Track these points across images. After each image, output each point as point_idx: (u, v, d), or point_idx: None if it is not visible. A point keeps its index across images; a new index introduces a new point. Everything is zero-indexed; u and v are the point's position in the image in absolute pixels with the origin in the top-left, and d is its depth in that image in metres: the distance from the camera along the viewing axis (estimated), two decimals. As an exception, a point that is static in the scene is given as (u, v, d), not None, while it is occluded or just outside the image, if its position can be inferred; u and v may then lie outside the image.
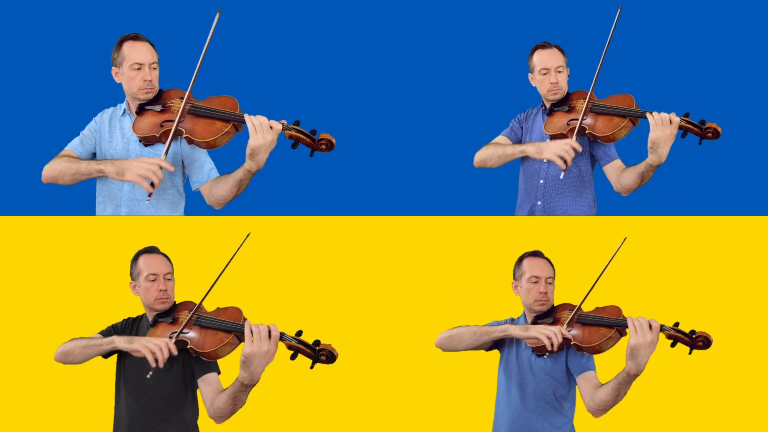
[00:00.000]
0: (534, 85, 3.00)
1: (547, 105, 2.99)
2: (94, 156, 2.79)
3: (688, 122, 2.67)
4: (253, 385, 2.19)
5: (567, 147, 2.80)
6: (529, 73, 3.01)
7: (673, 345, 2.44)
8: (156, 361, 2.25)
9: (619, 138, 2.81)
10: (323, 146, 2.50)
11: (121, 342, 2.32)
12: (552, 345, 2.45)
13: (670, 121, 2.62)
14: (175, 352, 2.28)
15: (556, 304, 2.63)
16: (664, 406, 3.37)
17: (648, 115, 2.65)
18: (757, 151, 3.63)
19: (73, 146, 2.77)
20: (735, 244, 3.37)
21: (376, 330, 3.30)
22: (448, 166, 3.63)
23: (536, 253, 2.66)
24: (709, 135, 2.68)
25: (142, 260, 2.47)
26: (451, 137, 3.71)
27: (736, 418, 3.33)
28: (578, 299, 2.59)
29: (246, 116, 2.46)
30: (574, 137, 2.84)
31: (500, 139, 3.07)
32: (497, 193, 3.30)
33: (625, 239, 2.58)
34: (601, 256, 3.32)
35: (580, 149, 2.81)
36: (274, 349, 2.14)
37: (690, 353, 2.45)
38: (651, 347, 2.25)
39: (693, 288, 3.34)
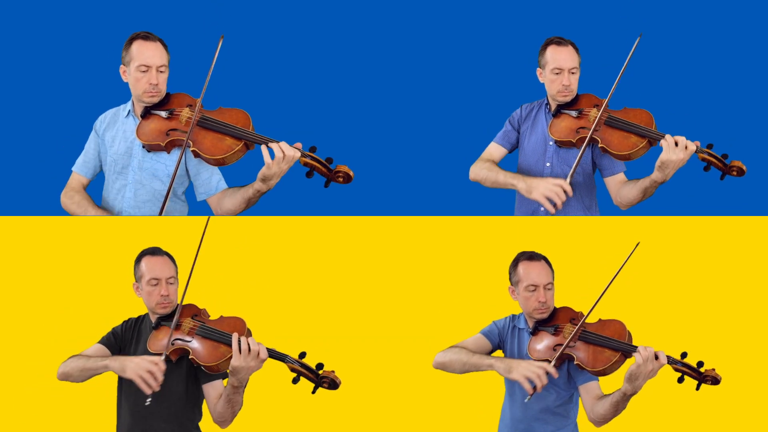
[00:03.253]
0: (541, 81, 2.87)
1: (553, 105, 2.86)
2: (101, 168, 2.76)
3: (711, 155, 2.59)
4: (244, 387, 2.25)
5: (557, 189, 2.67)
6: (538, 68, 2.87)
7: (680, 380, 2.40)
8: (150, 386, 2.23)
9: (636, 158, 2.69)
10: (340, 178, 2.44)
11: (114, 365, 2.30)
12: (534, 388, 2.35)
13: (686, 147, 2.52)
14: (162, 374, 2.25)
15: (557, 306, 2.58)
16: (667, 411, 3.37)
17: (662, 140, 2.55)
18: (757, 152, 3.63)
19: (78, 167, 2.76)
20: (735, 244, 3.37)
21: (376, 329, 3.30)
22: (449, 165, 3.62)
23: (532, 256, 2.56)
24: (734, 173, 2.62)
25: (145, 263, 2.44)
26: (451, 136, 3.70)
27: (738, 422, 3.34)
28: (578, 301, 2.56)
29: (265, 145, 2.40)
30: (583, 150, 2.72)
31: (493, 148, 2.97)
32: (498, 193, 3.28)
33: (638, 243, 2.49)
34: (602, 257, 3.32)
35: (570, 193, 2.67)
36: (260, 366, 2.21)
37: (697, 389, 2.41)
38: (650, 376, 2.26)
39: (693, 288, 3.34)
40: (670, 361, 2.34)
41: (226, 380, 2.38)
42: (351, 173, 2.44)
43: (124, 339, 2.47)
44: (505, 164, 3.00)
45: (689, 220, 3.37)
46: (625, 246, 3.33)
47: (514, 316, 2.66)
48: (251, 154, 2.53)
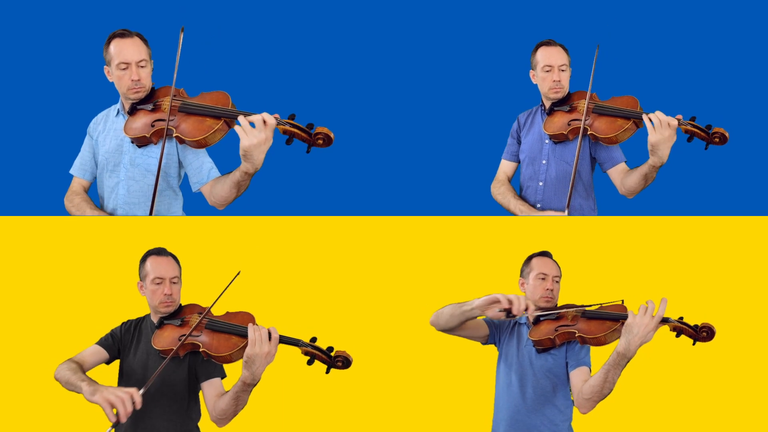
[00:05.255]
0: (535, 83, 2.99)
1: (547, 104, 2.98)
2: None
3: (694, 126, 2.65)
4: (255, 385, 2.21)
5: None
6: (531, 70, 3.00)
7: (677, 335, 2.48)
8: (117, 415, 2.12)
9: (623, 140, 2.78)
10: (320, 141, 2.36)
11: (86, 392, 2.18)
12: (512, 308, 2.31)
13: (668, 124, 2.59)
14: (138, 405, 2.15)
15: (559, 304, 2.63)
16: (659, 406, 3.38)
17: (644, 117, 2.63)
18: (757, 152, 3.64)
19: (76, 171, 2.77)
20: (735, 244, 3.38)
21: (378, 329, 3.30)
22: (450, 165, 3.63)
23: (545, 254, 2.68)
24: (716, 140, 2.65)
25: (150, 262, 2.45)
26: (452, 136, 3.71)
27: (735, 414, 3.35)
28: (581, 299, 2.60)
29: (240, 116, 2.35)
30: (580, 139, 2.82)
31: (503, 166, 3.13)
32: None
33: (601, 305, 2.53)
34: (603, 256, 3.34)
35: None
36: (274, 351, 2.18)
37: (693, 344, 2.47)
38: (646, 331, 2.24)
39: (693, 288, 3.35)
40: (668, 320, 2.40)
41: (224, 380, 2.40)
42: (331, 135, 2.36)
43: (123, 341, 2.47)
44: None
45: (690, 220, 3.38)
46: (626, 246, 3.35)
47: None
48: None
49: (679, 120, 2.62)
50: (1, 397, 3.24)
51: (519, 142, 3.08)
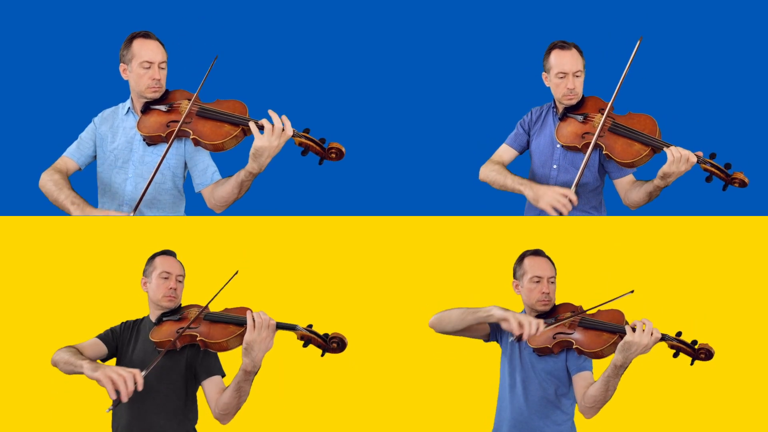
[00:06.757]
0: (547, 85, 2.89)
1: (560, 108, 2.89)
2: (94, 159, 2.79)
3: (713, 165, 2.61)
4: (255, 372, 2.24)
5: (564, 200, 2.70)
6: (543, 72, 2.89)
7: (675, 356, 2.43)
8: (118, 393, 2.15)
9: (639, 165, 2.70)
10: (333, 155, 2.52)
11: (87, 369, 2.22)
12: (523, 333, 2.33)
13: (687, 159, 2.56)
14: (140, 387, 2.18)
15: (557, 303, 2.61)
16: (661, 407, 3.38)
17: (666, 149, 2.58)
18: (758, 152, 3.64)
19: (70, 152, 2.78)
20: (735, 244, 3.38)
21: (380, 329, 3.30)
22: (454, 165, 3.62)
23: (537, 252, 2.64)
24: (736, 184, 2.63)
25: (159, 259, 2.50)
26: (457, 136, 3.70)
27: (736, 421, 3.34)
28: (581, 299, 2.59)
29: (253, 124, 2.46)
30: (588, 154, 2.74)
31: (503, 150, 3.00)
32: (503, 193, 3.29)
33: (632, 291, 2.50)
34: (606, 256, 3.33)
35: (576, 202, 2.72)
36: (272, 336, 2.22)
37: (692, 364, 2.43)
38: (643, 349, 2.27)
39: (694, 288, 3.35)
40: (665, 338, 2.38)
41: (225, 379, 2.41)
42: (343, 149, 2.52)
43: (122, 338, 2.49)
44: (516, 165, 3.03)
45: (691, 220, 3.38)
46: (630, 245, 3.35)
47: None
48: (248, 143, 2.56)
49: (699, 157, 2.58)
50: (1, 398, 3.24)
51: (528, 135, 2.98)
